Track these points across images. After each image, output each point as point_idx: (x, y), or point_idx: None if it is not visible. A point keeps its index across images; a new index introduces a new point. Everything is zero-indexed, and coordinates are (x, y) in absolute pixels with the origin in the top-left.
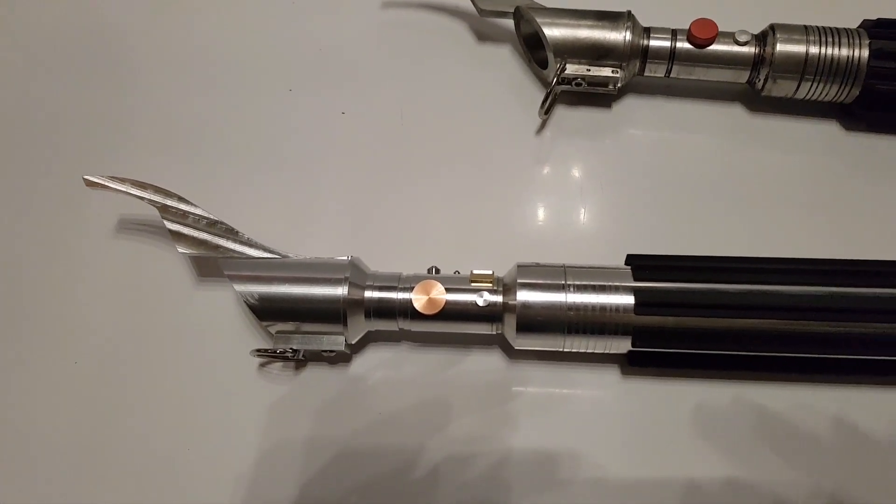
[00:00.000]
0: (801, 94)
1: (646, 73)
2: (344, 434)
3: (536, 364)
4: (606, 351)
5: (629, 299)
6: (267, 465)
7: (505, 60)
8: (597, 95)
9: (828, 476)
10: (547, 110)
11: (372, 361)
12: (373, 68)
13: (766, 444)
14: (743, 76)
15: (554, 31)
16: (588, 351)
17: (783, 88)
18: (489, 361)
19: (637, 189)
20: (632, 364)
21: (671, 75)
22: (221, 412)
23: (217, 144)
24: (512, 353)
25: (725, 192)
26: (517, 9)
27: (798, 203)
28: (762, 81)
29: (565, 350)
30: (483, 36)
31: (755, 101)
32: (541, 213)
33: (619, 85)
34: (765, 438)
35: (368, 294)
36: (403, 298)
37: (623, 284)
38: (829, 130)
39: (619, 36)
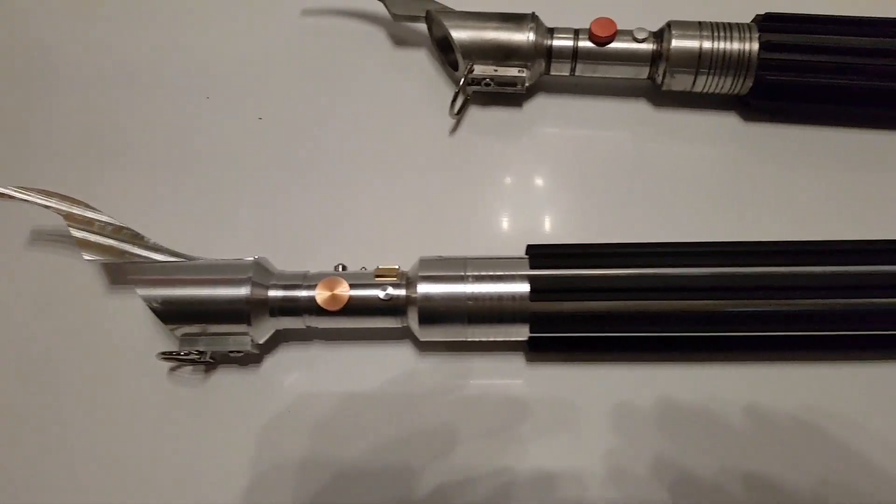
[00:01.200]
0: (699, 88)
1: (552, 72)
2: (255, 433)
3: (445, 355)
4: (508, 338)
5: (525, 287)
6: (180, 467)
7: (420, 63)
8: (507, 95)
9: (737, 455)
10: (459, 110)
11: (283, 360)
12: (290, 73)
13: (673, 425)
14: (643, 72)
15: (461, 34)
16: (491, 339)
17: (681, 83)
18: (399, 355)
19: (547, 183)
20: (533, 350)
21: (576, 73)
22: (133, 417)
23: (133, 151)
24: (421, 346)
25: (633, 184)
26: (428, 13)
27: (702, 192)
28: (661, 76)
29: (470, 340)
30: (399, 40)
31: (658, 95)
32: (454, 210)
33: (526, 84)
34: (672, 419)
35: (273, 293)
36: (308, 296)
37: (519, 273)
38: (729, 121)
39: (523, 37)
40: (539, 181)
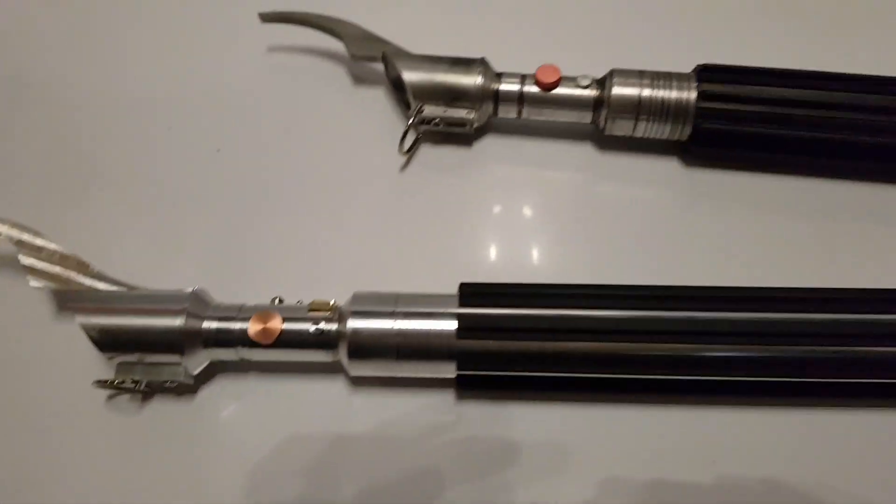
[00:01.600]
0: (640, 133)
1: (500, 115)
2: (189, 465)
3: (378, 390)
4: (436, 375)
5: (452, 325)
6: (113, 494)
7: (378, 101)
8: (458, 135)
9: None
10: (410, 148)
11: (219, 392)
12: (252, 107)
13: (604, 463)
14: (587, 117)
15: (412, 76)
16: (419, 376)
17: (622, 128)
18: (333, 388)
19: (493, 222)
20: (461, 388)
21: (523, 116)
22: (70, 445)
23: (91, 180)
24: (354, 380)
25: (576, 226)
26: (384, 54)
27: (642, 234)
28: (604, 121)
29: (399, 376)
30: (358, 78)
31: (603, 139)
32: (400, 245)
33: (475, 125)
34: (598, 458)
35: (207, 324)
36: (241, 328)
37: (447, 311)
38: (670, 166)
39: (471, 80)
40: (484, 219)
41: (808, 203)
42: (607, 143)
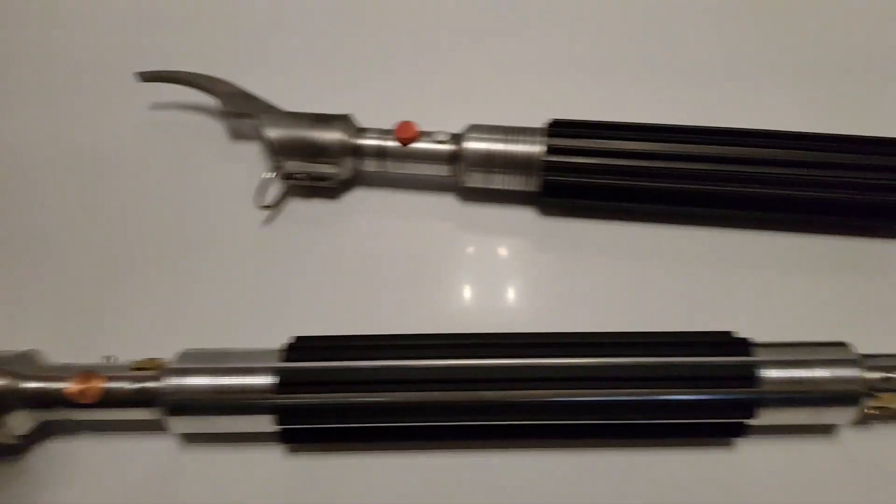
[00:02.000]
0: (496, 185)
1: (364, 168)
2: None
3: (209, 446)
4: (256, 430)
5: (271, 379)
6: None
7: (253, 157)
8: (326, 189)
9: None
10: (276, 203)
11: (47, 453)
12: (128, 166)
13: None
14: (445, 170)
15: (274, 132)
16: (240, 431)
17: (477, 180)
18: (161, 448)
19: (353, 274)
20: (287, 442)
21: (384, 170)
22: None
23: None
24: (189, 437)
25: (437, 275)
26: (254, 111)
27: (498, 282)
28: (461, 174)
29: (221, 432)
30: (238, 134)
31: (466, 191)
32: (258, 300)
33: (340, 179)
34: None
35: (28, 384)
36: (61, 388)
37: (269, 365)
38: (528, 216)
39: (332, 136)
40: (346, 271)
41: (661, 250)
42: (470, 194)
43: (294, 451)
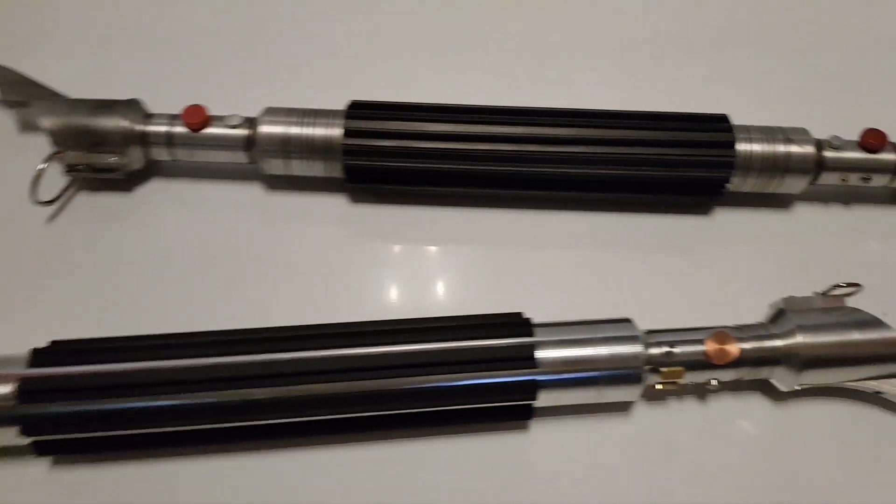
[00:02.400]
0: (297, 171)
1: (154, 157)
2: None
3: None
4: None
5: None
6: None
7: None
8: (117, 180)
9: None
10: (56, 198)
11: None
12: None
13: None
14: (241, 157)
15: (49, 121)
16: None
17: (277, 167)
18: None
19: (150, 271)
20: (42, 454)
21: (177, 158)
22: None
23: None
24: None
25: (246, 267)
26: (31, 98)
27: (310, 273)
28: (259, 161)
29: None
30: (27, 126)
31: (270, 179)
32: (41, 300)
33: (130, 169)
34: None
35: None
36: None
37: (12, 372)
38: (338, 203)
39: (112, 123)
40: (143, 268)
41: (473, 232)
42: (277, 183)
43: (57, 463)
